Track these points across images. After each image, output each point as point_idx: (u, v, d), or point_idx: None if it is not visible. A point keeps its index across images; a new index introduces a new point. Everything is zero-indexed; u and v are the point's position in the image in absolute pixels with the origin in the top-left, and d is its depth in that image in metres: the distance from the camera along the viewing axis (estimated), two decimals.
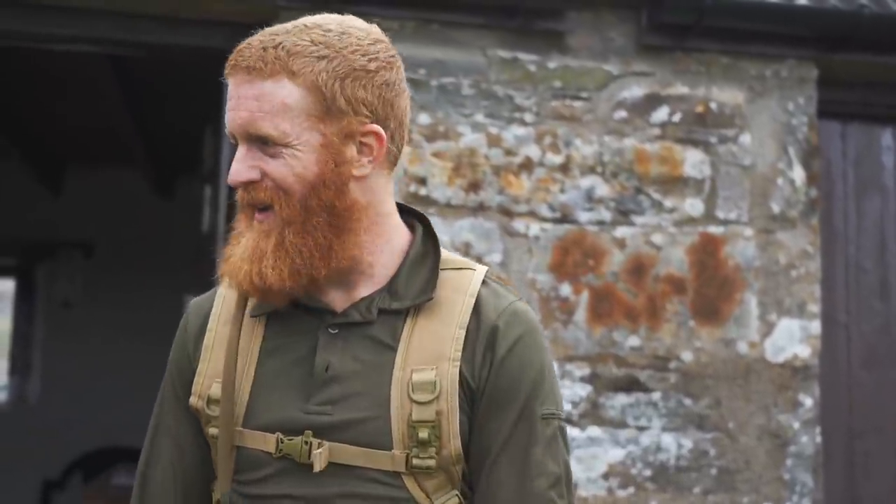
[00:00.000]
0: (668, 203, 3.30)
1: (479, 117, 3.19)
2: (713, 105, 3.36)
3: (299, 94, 1.28)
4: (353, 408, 1.30)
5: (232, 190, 3.75)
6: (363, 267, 1.36)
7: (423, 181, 3.11)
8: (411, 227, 1.42)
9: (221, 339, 1.41)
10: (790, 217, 3.38)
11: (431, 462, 1.29)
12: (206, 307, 1.48)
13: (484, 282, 1.38)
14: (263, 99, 1.28)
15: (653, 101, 3.34)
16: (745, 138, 3.37)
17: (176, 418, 1.50)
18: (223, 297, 1.44)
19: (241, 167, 1.30)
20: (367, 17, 3.33)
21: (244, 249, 1.32)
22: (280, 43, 1.28)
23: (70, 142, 6.50)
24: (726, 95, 3.38)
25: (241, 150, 1.31)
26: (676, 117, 3.33)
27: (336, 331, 1.34)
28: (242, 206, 1.35)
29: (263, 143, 1.29)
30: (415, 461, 1.28)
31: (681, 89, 3.35)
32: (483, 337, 1.33)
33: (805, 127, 3.43)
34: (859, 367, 3.65)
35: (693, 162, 3.33)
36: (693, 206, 3.32)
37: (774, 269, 3.35)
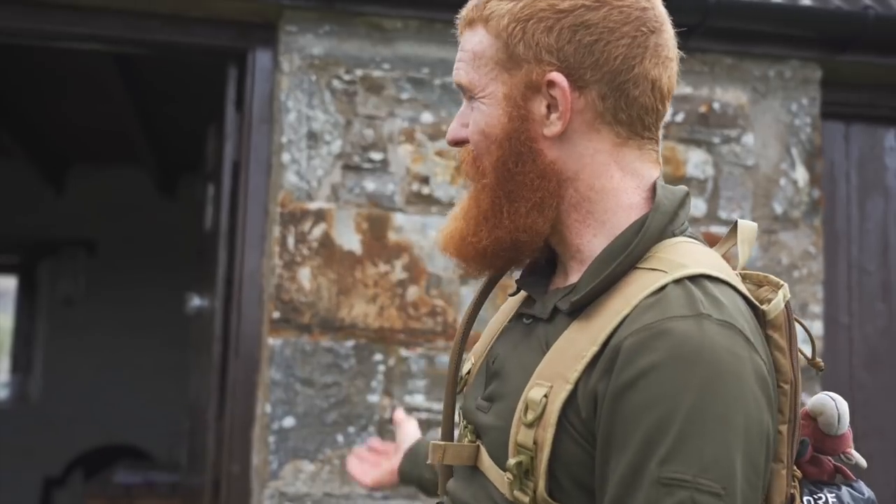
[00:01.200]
0: None
1: None
2: (716, 105, 3.36)
3: (488, 42, 1.16)
4: (496, 412, 1.14)
5: (234, 189, 3.71)
6: (572, 251, 1.16)
7: (426, 180, 3.12)
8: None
9: (492, 318, 1.32)
10: (793, 218, 3.38)
11: (525, 499, 1.06)
12: None
13: (663, 288, 1.05)
14: (463, 49, 1.19)
15: None
16: (749, 139, 3.37)
17: None
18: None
19: (454, 125, 1.22)
20: (371, 15, 3.34)
21: (452, 216, 1.21)
22: None
23: (73, 140, 6.51)
24: (730, 96, 3.38)
25: (462, 107, 1.22)
26: (680, 117, 3.33)
27: (529, 321, 1.19)
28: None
29: (468, 99, 1.19)
30: (515, 492, 1.07)
31: (684, 89, 3.35)
32: (605, 359, 1.03)
33: (808, 128, 3.43)
34: (861, 369, 3.65)
35: (696, 162, 3.33)
36: (696, 206, 3.31)
37: (777, 270, 3.35)
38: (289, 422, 2.98)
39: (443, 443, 1.21)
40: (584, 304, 1.10)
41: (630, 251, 1.09)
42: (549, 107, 1.13)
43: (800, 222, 3.39)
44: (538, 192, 1.13)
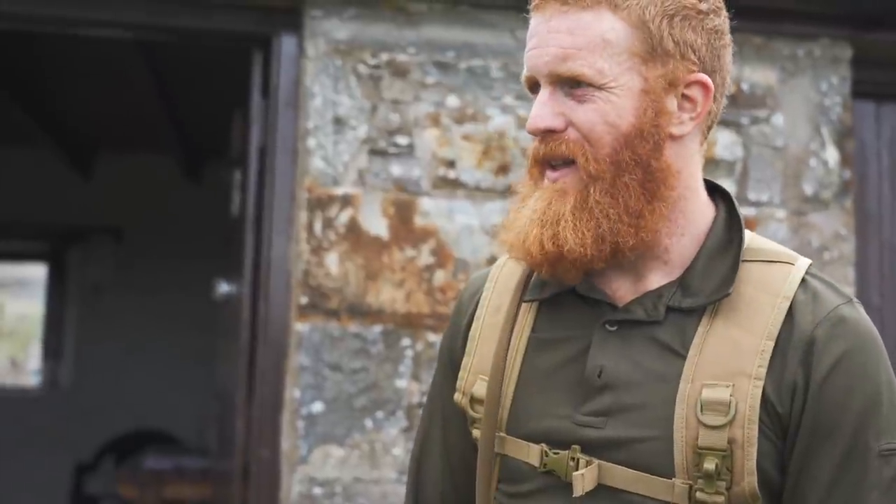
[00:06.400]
0: None
1: (508, 100, 3.17)
2: (745, 85, 3.33)
3: (622, 30, 1.10)
4: (630, 423, 1.10)
5: (261, 175, 3.72)
6: (658, 251, 1.15)
7: (451, 164, 3.10)
8: (716, 208, 1.22)
9: (488, 330, 1.23)
10: (823, 199, 3.35)
11: (720, 499, 1.06)
12: (479, 288, 1.29)
13: (803, 280, 1.12)
14: (579, 32, 1.09)
15: None
16: (778, 119, 3.34)
17: (447, 407, 1.30)
18: (495, 280, 1.26)
19: (543, 111, 1.11)
20: None
21: (533, 212, 1.12)
22: None
23: (99, 127, 6.54)
24: (758, 76, 3.34)
25: (544, 94, 1.12)
26: None
27: (615, 328, 1.14)
28: (533, 163, 1.16)
29: (572, 86, 1.11)
30: (698, 495, 1.06)
31: None
32: (796, 351, 1.07)
33: (839, 107, 3.38)
34: (893, 351, 3.60)
35: (725, 143, 3.29)
36: (725, 187, 3.28)
37: (807, 252, 3.32)
38: (317, 407, 2.98)
39: (582, 473, 1.10)
40: (714, 301, 1.12)
41: (745, 247, 1.16)
42: (678, 106, 1.14)
43: (830, 203, 3.35)
44: (667, 191, 1.14)
